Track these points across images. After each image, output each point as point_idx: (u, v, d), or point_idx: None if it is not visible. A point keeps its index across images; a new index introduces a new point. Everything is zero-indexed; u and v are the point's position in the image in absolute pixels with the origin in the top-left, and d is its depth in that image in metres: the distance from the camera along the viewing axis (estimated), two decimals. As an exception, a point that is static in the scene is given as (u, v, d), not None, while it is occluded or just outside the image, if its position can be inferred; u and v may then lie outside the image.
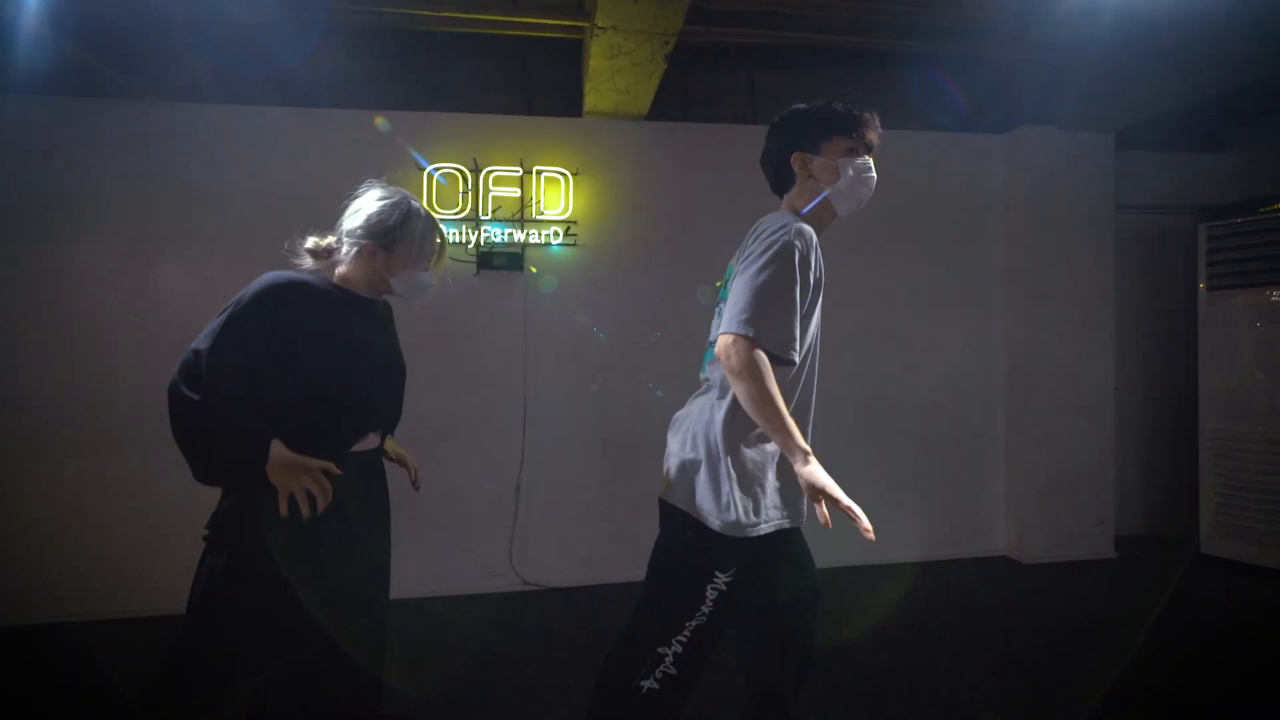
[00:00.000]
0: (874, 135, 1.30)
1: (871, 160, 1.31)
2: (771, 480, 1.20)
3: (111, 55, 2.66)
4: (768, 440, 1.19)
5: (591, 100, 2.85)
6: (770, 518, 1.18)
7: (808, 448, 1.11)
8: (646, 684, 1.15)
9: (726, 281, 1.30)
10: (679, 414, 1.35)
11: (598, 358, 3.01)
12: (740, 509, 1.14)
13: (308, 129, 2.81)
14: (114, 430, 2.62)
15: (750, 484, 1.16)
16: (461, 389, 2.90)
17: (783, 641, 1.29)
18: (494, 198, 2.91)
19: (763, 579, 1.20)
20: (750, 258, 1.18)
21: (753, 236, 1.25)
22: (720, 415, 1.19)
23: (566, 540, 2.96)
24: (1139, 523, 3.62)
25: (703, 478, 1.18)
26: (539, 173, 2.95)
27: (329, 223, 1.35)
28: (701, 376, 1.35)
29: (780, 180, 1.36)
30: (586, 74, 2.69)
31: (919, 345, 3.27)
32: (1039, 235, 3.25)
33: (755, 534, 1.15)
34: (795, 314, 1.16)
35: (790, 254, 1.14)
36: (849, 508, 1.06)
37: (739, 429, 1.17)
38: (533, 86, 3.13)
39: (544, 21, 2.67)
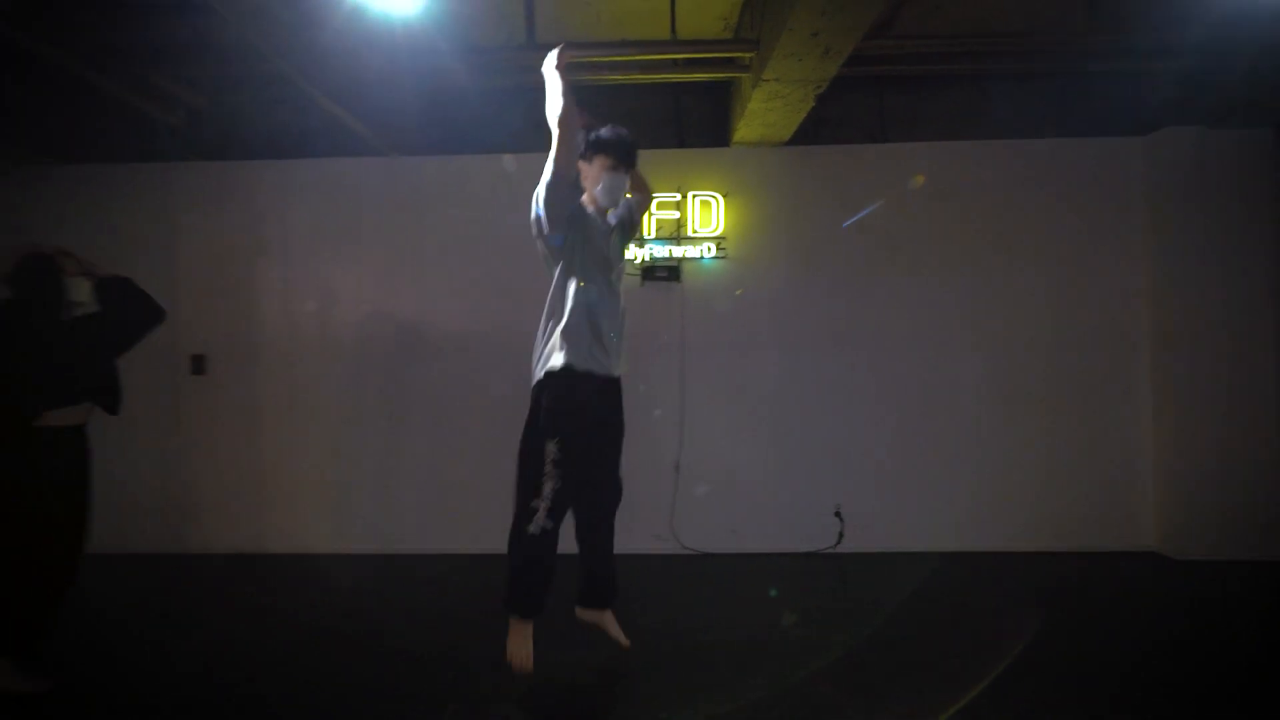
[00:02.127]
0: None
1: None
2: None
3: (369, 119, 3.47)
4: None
5: (741, 133, 3.30)
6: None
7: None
8: None
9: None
10: None
11: (744, 353, 3.45)
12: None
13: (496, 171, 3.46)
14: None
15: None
16: (628, 381, 3.44)
17: None
18: (656, 220, 3.43)
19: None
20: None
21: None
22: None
23: (718, 512, 3.41)
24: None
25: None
26: (693, 196, 3.44)
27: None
28: None
29: None
30: (740, 113, 3.14)
31: (1058, 342, 3.40)
32: (1192, 231, 3.23)
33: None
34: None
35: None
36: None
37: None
38: (685, 123, 3.64)
39: (701, 77, 3.14)
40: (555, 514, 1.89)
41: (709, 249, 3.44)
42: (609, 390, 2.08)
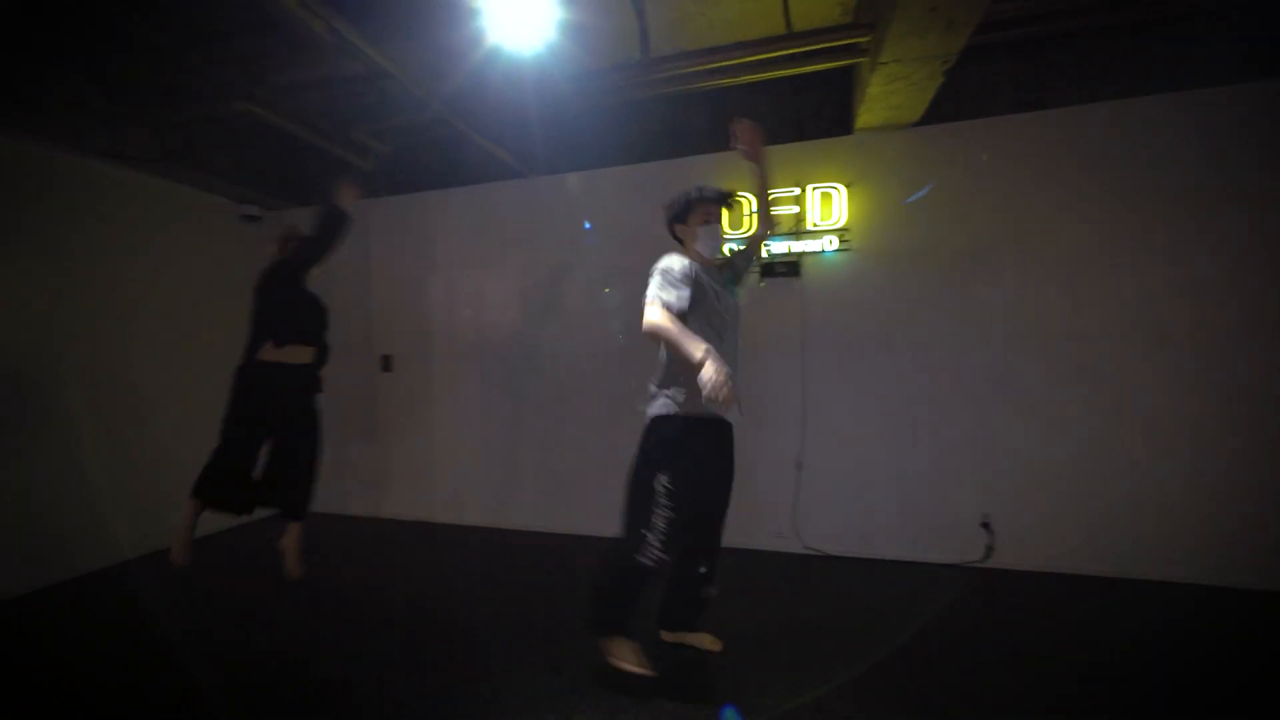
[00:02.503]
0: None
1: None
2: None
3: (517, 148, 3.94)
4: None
5: (864, 118, 3.16)
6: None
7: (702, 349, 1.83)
8: None
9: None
10: None
11: (870, 349, 3.29)
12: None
13: (637, 178, 3.71)
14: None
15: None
16: (747, 377, 3.47)
17: None
18: (775, 216, 3.41)
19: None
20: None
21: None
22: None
23: (844, 514, 3.30)
24: None
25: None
26: (814, 189, 3.36)
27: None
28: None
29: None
30: (861, 99, 3.01)
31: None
32: None
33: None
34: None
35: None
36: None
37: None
38: (804, 114, 3.57)
39: (821, 67, 3.06)
40: (666, 547, 1.99)
41: (831, 242, 3.34)
42: (723, 434, 2.16)
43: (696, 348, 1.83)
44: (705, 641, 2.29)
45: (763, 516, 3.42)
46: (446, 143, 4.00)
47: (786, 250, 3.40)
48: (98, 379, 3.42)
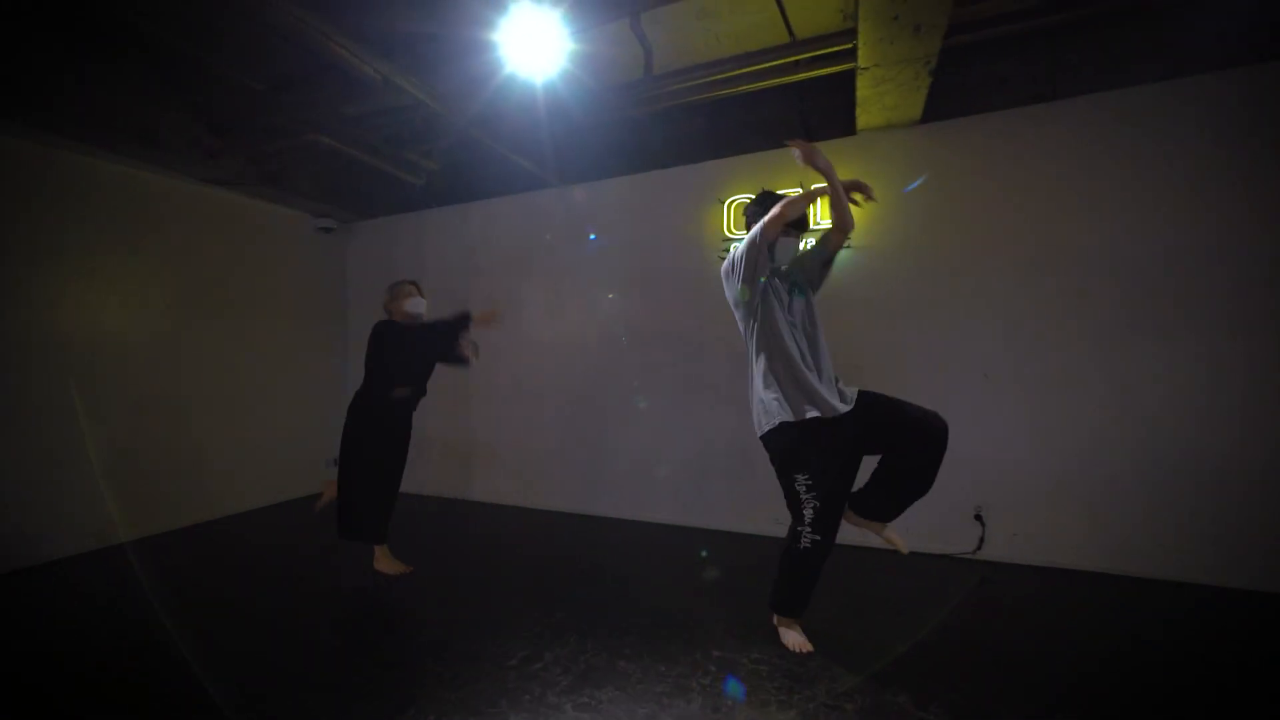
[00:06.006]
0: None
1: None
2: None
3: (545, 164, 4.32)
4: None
5: (864, 120, 3.26)
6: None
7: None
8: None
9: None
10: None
11: (874, 348, 3.37)
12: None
13: (647, 186, 3.99)
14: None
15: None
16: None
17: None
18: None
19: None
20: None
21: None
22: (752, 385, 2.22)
23: (841, 504, 3.40)
24: None
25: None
26: (815, 189, 3.47)
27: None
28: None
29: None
30: (857, 101, 3.12)
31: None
32: None
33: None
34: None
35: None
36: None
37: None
38: (811, 119, 3.69)
39: (821, 73, 3.19)
40: (822, 530, 2.10)
41: (832, 240, 3.44)
42: (840, 423, 2.12)
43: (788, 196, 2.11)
44: (894, 539, 2.30)
45: (762, 503, 3.57)
46: (480, 159, 4.45)
47: (790, 249, 3.54)
48: (214, 367, 4.16)
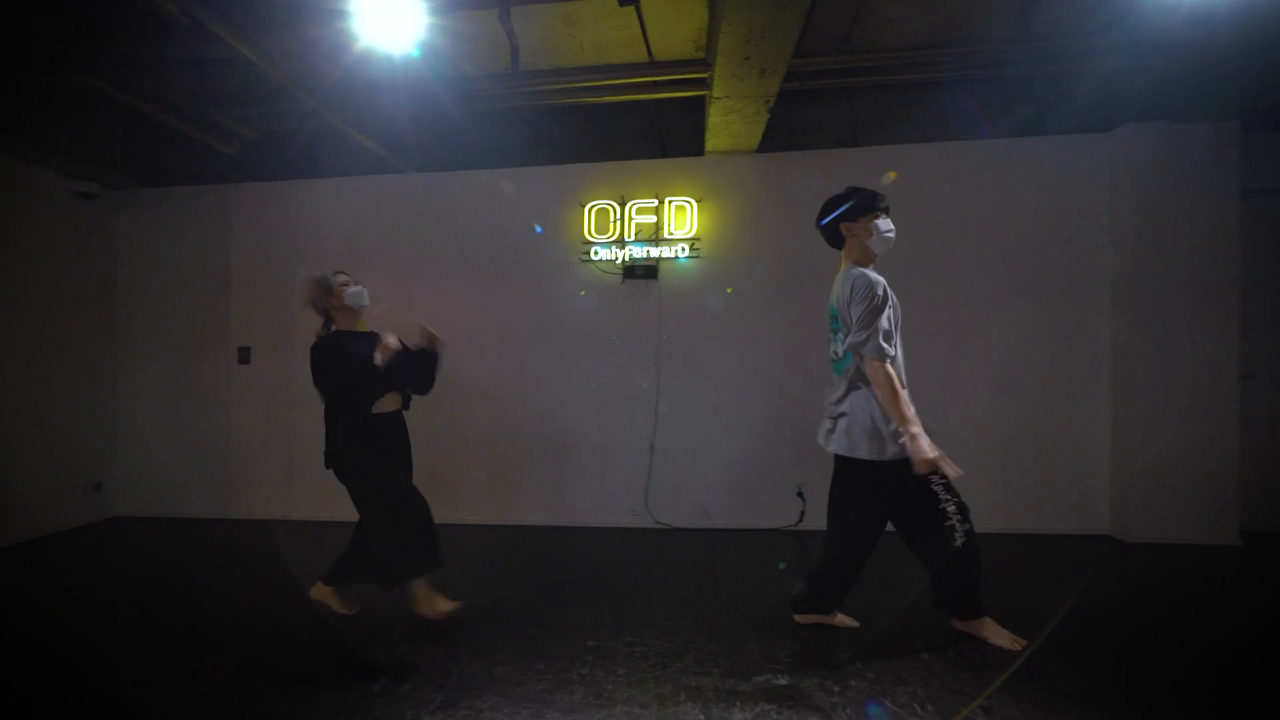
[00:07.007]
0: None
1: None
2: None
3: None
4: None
5: (712, 143, 3.62)
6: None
7: (914, 421, 1.98)
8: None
9: (833, 317, 2.22)
10: (829, 401, 2.27)
11: (715, 345, 3.74)
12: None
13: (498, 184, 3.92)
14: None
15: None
16: (609, 369, 3.80)
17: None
18: (636, 224, 3.79)
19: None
20: (854, 303, 2.08)
21: (845, 283, 2.12)
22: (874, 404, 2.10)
23: (689, 491, 3.70)
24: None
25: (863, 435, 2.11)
26: (670, 202, 3.77)
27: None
28: (837, 377, 2.24)
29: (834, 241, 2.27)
30: (707, 125, 3.46)
31: (1020, 339, 3.53)
32: (1154, 224, 3.32)
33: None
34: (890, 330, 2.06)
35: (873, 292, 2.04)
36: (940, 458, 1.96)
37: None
38: (666, 135, 3.99)
39: (675, 95, 3.47)
40: (967, 518, 2.11)
41: (684, 249, 3.76)
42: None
43: (909, 421, 1.96)
44: (995, 634, 2.19)
45: (620, 497, 3.74)
46: (316, 134, 3.98)
47: (645, 255, 3.78)
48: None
